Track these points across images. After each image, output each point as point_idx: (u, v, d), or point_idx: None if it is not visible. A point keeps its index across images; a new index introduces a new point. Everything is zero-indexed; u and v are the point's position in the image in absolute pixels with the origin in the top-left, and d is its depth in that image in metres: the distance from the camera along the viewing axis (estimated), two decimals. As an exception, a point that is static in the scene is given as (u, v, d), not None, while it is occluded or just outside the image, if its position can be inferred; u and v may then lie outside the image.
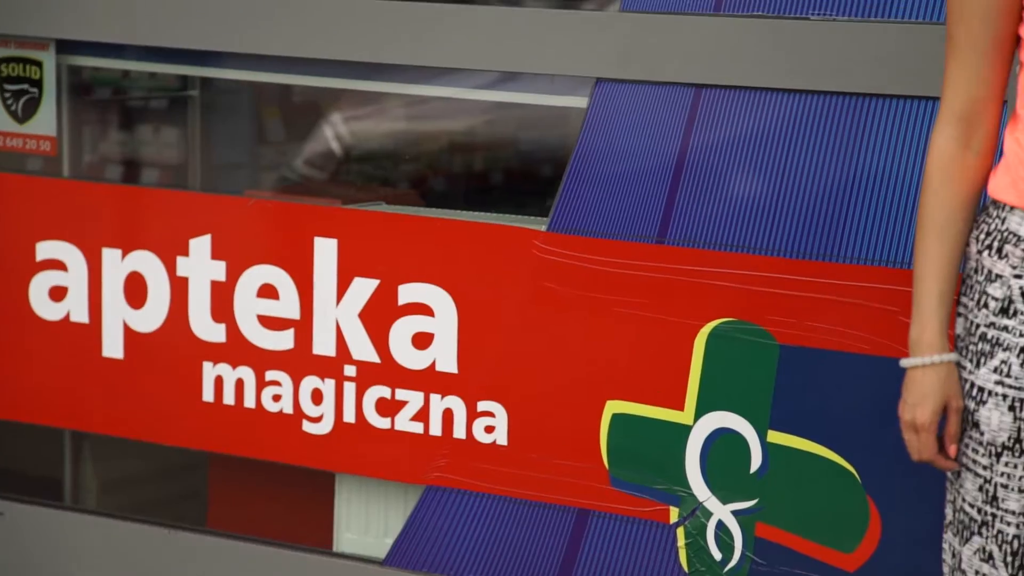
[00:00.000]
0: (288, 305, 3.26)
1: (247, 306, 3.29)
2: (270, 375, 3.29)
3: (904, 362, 2.22)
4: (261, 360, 3.29)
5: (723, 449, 2.92)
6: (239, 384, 3.31)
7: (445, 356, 3.13)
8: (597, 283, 3.00)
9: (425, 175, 4.18)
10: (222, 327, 3.32)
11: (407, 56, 3.20)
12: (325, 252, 3.22)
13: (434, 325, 3.14)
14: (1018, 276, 2.13)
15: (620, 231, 2.98)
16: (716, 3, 2.93)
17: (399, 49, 3.20)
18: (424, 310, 3.15)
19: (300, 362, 3.26)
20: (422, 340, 3.15)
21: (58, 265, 3.48)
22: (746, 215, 2.90)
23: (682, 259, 2.93)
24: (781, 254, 2.86)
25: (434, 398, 3.15)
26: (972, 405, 2.18)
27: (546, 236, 3.05)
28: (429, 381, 3.15)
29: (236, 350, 3.31)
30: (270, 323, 3.28)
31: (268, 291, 3.28)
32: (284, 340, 3.27)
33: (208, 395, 3.35)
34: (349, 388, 3.22)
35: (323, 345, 3.24)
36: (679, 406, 2.94)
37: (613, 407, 3.00)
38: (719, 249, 2.91)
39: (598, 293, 3.00)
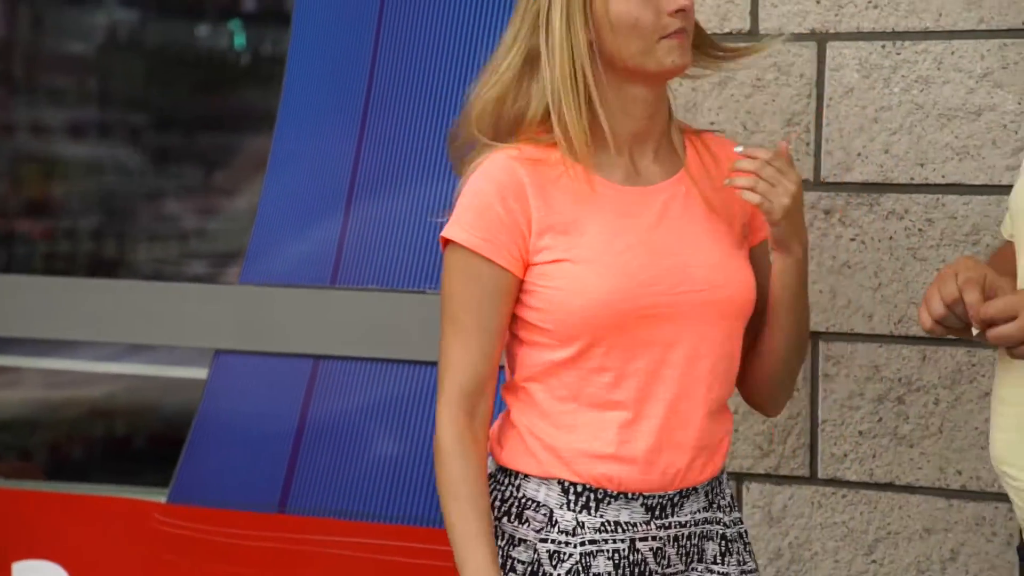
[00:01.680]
0: None
1: None
2: None
3: None
4: None
5: None
6: None
7: (59, 635, 3.05)
8: (217, 554, 2.97)
9: (48, 447, 4.10)
10: None
11: (31, 329, 3.18)
12: (-66, 530, 3.12)
13: (49, 602, 3.06)
14: (543, 540, 2.18)
15: (240, 501, 2.98)
16: (333, 276, 3.00)
17: (24, 323, 3.17)
18: (39, 587, 3.07)
19: (-95, 647, 3.12)
20: (36, 619, 3.07)
21: None
22: (366, 483, 2.93)
23: (303, 529, 2.93)
24: (402, 522, 2.90)
25: None
26: None
27: (165, 508, 3.02)
28: (43, 661, 3.05)
29: None
30: None
31: None
32: None
33: None
34: (-44, 674, 3.10)
35: (-71, 628, 3.11)
36: (300, 678, 2.92)
37: None
38: (340, 518, 2.92)
39: (218, 565, 2.97)
